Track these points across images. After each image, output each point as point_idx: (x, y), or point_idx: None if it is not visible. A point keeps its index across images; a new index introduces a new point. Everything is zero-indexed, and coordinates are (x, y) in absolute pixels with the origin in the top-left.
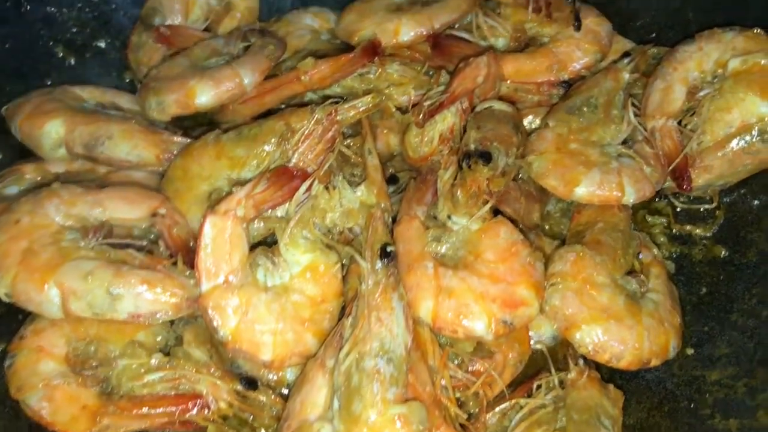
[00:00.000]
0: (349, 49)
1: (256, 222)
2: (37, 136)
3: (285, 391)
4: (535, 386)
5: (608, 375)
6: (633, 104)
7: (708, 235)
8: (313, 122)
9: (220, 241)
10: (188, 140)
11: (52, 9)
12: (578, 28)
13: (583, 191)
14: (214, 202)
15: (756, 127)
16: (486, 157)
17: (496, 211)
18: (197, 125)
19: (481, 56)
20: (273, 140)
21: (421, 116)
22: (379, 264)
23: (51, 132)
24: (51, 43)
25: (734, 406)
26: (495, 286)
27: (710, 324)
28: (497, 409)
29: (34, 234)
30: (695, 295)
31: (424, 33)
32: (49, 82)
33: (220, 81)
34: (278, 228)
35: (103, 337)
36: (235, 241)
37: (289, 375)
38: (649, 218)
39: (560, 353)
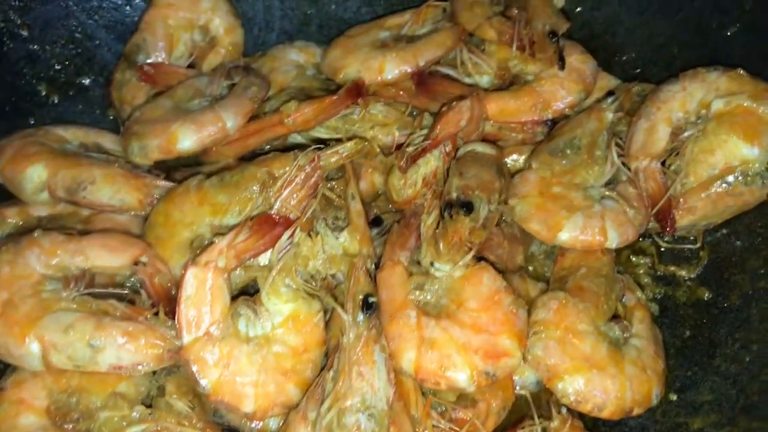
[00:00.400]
0: (334, 89)
1: (237, 270)
2: (19, 181)
3: None
4: None
5: (591, 422)
6: (617, 144)
7: (692, 276)
8: (295, 169)
9: (201, 293)
10: (171, 184)
11: (35, 46)
12: (562, 67)
13: (566, 236)
14: (196, 250)
15: (739, 170)
16: (468, 207)
17: (479, 257)
18: (181, 165)
19: (464, 100)
20: (255, 187)
21: (404, 161)
22: (360, 316)
23: (33, 176)
24: (34, 81)
25: None
26: (477, 337)
27: (693, 369)
28: None
29: (14, 285)
30: (679, 338)
31: (409, 70)
32: (32, 121)
33: (203, 125)
34: (260, 277)
35: (85, 389)
36: (216, 293)
37: (272, 424)
38: (634, 258)
39: (544, 398)
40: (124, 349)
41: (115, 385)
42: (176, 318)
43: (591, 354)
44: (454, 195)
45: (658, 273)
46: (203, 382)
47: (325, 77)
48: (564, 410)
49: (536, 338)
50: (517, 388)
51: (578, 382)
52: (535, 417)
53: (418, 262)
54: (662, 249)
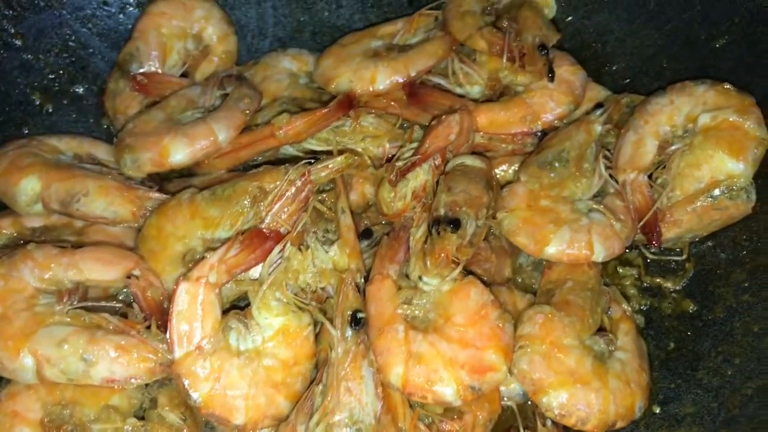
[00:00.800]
0: (327, 99)
1: (229, 284)
2: (12, 193)
3: None
4: None
5: None
6: (605, 156)
7: (677, 288)
8: (285, 183)
9: (193, 308)
10: (164, 196)
11: (29, 56)
12: (552, 79)
13: (553, 250)
14: (189, 263)
15: (724, 184)
16: (455, 223)
17: (467, 271)
18: (174, 176)
19: (453, 114)
20: (246, 201)
21: (393, 175)
22: (349, 332)
23: (26, 188)
24: (28, 90)
25: None
26: (464, 351)
27: (677, 381)
28: None
29: (8, 299)
30: (663, 350)
31: (400, 81)
32: (26, 131)
33: (195, 138)
34: (251, 291)
35: (79, 401)
36: (208, 308)
37: None
38: (621, 269)
39: (530, 410)
40: (116, 362)
41: (108, 397)
42: (168, 332)
43: (575, 368)
44: (441, 211)
45: (645, 284)
46: (194, 395)
47: (317, 86)
48: (549, 423)
49: (522, 352)
50: (504, 399)
51: (562, 396)
52: (521, 429)
53: (407, 276)
54: (649, 260)
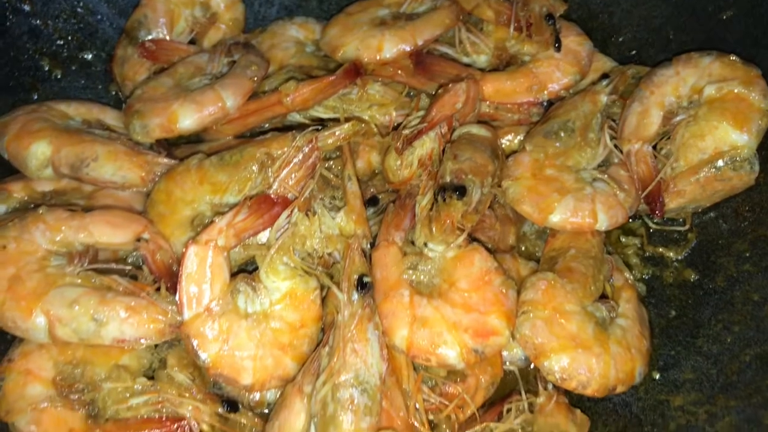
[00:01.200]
0: (333, 67)
1: (237, 248)
2: (23, 157)
3: (266, 411)
4: (505, 409)
5: (577, 397)
6: (610, 127)
7: (680, 257)
8: (293, 150)
9: (202, 270)
10: (173, 162)
11: (37, 21)
12: (558, 49)
13: (556, 218)
14: (197, 228)
15: (728, 155)
16: (461, 191)
17: (472, 238)
18: (182, 142)
19: (460, 83)
20: (254, 166)
21: (400, 143)
22: (355, 295)
23: (37, 152)
24: (37, 56)
25: None
26: (467, 316)
27: (677, 348)
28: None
29: (20, 260)
30: (664, 318)
31: (407, 49)
32: (35, 96)
33: (203, 105)
34: (259, 255)
35: (90, 361)
36: (216, 271)
37: (270, 396)
38: (624, 239)
39: (532, 374)
40: (126, 323)
41: (118, 357)
42: (177, 294)
43: (577, 333)
44: (447, 179)
45: (647, 254)
46: (203, 356)
47: (324, 54)
48: (550, 387)
49: (524, 318)
50: (506, 363)
51: (563, 360)
52: (522, 392)
53: (413, 243)
54: (651, 230)
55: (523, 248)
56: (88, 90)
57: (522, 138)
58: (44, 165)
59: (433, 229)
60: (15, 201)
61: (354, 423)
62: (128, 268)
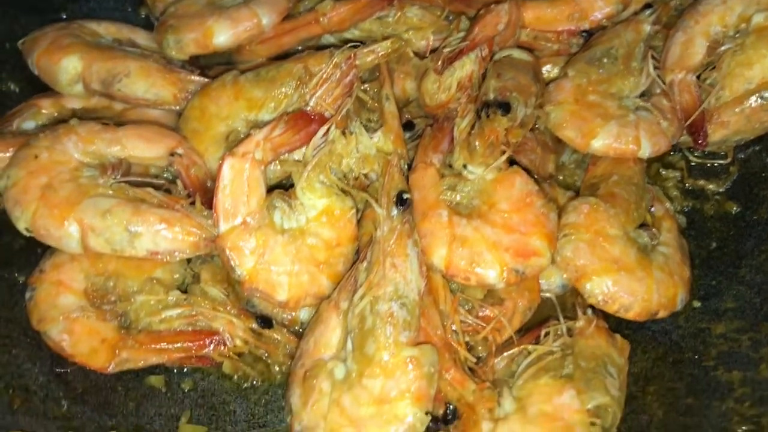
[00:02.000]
0: None
1: (272, 165)
2: (54, 72)
3: (299, 330)
4: (543, 333)
5: (615, 325)
6: (653, 57)
7: (721, 190)
8: (331, 66)
9: (239, 183)
10: (206, 80)
11: None
12: None
13: (599, 144)
14: (232, 144)
15: None
16: (505, 107)
17: (511, 161)
18: (214, 64)
19: (502, 4)
20: (291, 83)
21: (439, 63)
22: (394, 211)
23: (68, 67)
24: None
25: (738, 358)
26: (508, 236)
27: (718, 278)
28: (505, 354)
29: (52, 170)
30: (705, 249)
31: None
32: (64, 16)
33: (239, 21)
34: (295, 172)
35: (122, 273)
36: (253, 184)
37: (303, 315)
38: (663, 172)
39: (569, 302)
40: (161, 235)
41: (150, 270)
42: (213, 207)
43: (620, 257)
44: (491, 95)
45: (687, 186)
46: (239, 270)
47: None
48: (589, 311)
49: (566, 240)
50: (543, 290)
51: (606, 282)
52: (560, 317)
53: (450, 166)
54: (692, 163)
55: (560, 178)
56: (117, 12)
57: (560, 68)
58: (75, 80)
59: (476, 145)
60: (44, 117)
61: (393, 336)
62: (161, 182)
